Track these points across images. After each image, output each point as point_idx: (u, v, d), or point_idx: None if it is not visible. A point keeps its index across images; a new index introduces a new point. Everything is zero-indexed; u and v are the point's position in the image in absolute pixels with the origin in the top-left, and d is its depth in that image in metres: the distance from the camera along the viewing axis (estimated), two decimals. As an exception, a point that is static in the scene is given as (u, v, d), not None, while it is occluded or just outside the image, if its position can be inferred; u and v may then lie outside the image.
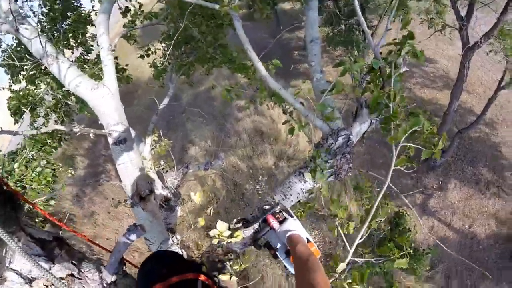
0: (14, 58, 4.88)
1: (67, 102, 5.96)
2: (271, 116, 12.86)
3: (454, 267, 9.15)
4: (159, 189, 4.62)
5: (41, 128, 5.65)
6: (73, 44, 6.02)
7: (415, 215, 7.97)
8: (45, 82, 5.65)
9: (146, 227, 2.51)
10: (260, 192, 10.38)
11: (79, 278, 1.92)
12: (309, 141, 2.09)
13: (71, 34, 5.90)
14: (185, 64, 5.33)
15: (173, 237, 3.29)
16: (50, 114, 6.14)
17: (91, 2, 6.03)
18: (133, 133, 4.20)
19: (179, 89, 13.56)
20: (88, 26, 6.09)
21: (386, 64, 1.92)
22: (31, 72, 5.50)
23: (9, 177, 5.95)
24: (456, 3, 9.34)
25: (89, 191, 12.32)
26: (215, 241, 2.01)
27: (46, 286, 1.71)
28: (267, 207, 1.99)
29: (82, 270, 1.94)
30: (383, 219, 2.19)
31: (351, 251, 1.95)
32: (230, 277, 1.93)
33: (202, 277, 1.21)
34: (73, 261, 1.91)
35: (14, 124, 5.89)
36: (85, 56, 6.43)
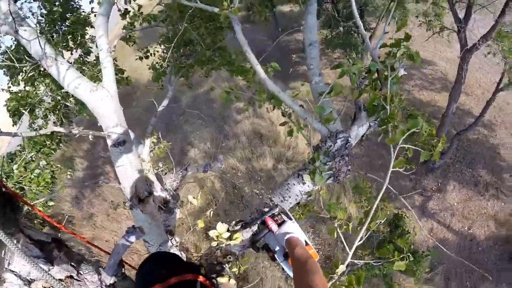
0: (13, 59, 4.88)
1: (66, 103, 5.96)
2: (270, 119, 12.87)
3: (453, 268, 9.15)
4: (158, 191, 4.62)
5: (40, 129, 5.66)
6: (72, 46, 6.02)
7: (414, 217, 7.96)
8: (44, 84, 5.65)
9: (145, 229, 2.51)
10: (258, 193, 10.37)
11: (78, 280, 1.92)
12: (308, 144, 2.10)
13: (70, 36, 5.90)
14: (184, 66, 5.34)
15: (172, 239, 3.30)
16: (49, 116, 6.14)
17: (90, 4, 6.03)
18: (132, 135, 4.19)
19: (178, 91, 13.56)
20: (87, 27, 6.09)
21: (384, 66, 1.93)
22: (30, 74, 5.50)
23: (8, 178, 5.94)
24: (454, 6, 9.37)
25: (88, 193, 12.29)
26: (214, 243, 2.01)
27: (45, 287, 1.71)
28: (266, 209, 2.00)
29: (81, 272, 1.94)
30: (382, 221, 2.20)
31: (351, 253, 1.95)
32: (229, 280, 1.93)
33: (201, 278, 1.21)
34: (72, 263, 1.91)
35: (13, 125, 5.89)
36: (84, 58, 6.44)
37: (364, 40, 2.11)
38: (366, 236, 2.03)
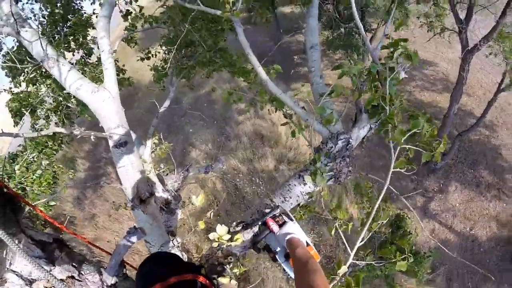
0: (15, 60, 4.90)
1: (68, 104, 5.98)
2: (271, 120, 12.87)
3: (455, 269, 9.13)
4: (160, 192, 4.63)
5: (41, 130, 5.67)
6: (74, 47, 6.04)
7: (416, 217, 7.96)
8: (46, 85, 5.66)
9: (146, 230, 2.51)
10: (259, 193, 10.37)
11: (80, 280, 1.92)
12: (309, 145, 2.10)
13: (72, 37, 5.92)
14: (185, 68, 5.35)
15: (173, 239, 3.30)
16: (51, 117, 6.16)
17: (92, 5, 6.06)
18: (133, 136, 4.20)
19: (179, 92, 13.57)
20: (89, 29, 6.11)
21: (384, 68, 1.93)
22: (31, 75, 5.52)
23: (10, 179, 5.96)
24: (455, 6, 9.35)
25: (90, 194, 12.31)
26: (215, 244, 2.01)
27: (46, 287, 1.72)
28: (267, 210, 2.00)
29: (82, 272, 1.95)
30: (384, 222, 2.19)
31: (352, 253, 1.95)
32: (230, 280, 1.93)
33: (201, 279, 1.21)
34: (74, 263, 1.91)
35: (14, 126, 5.91)
36: (86, 59, 6.45)
37: (365, 42, 2.11)
38: (368, 237, 2.03)
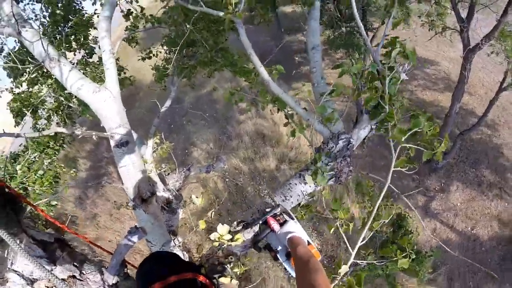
0: (16, 61, 4.91)
1: (69, 104, 5.99)
2: (273, 119, 12.87)
3: (456, 269, 9.12)
4: (161, 192, 4.63)
5: (43, 130, 5.68)
6: (75, 47, 6.05)
7: (418, 217, 7.94)
8: (47, 85, 5.67)
9: (147, 229, 2.51)
10: (261, 194, 10.37)
11: (81, 280, 1.92)
12: (310, 145, 2.10)
13: (73, 37, 5.93)
14: (186, 67, 5.34)
15: (174, 239, 3.30)
16: (52, 117, 6.17)
17: (93, 5, 6.06)
18: (135, 135, 4.21)
19: (181, 92, 13.58)
20: (90, 29, 6.12)
21: (384, 67, 1.92)
22: (33, 75, 5.53)
23: (12, 179, 5.97)
24: (457, 5, 9.33)
25: (92, 194, 12.34)
26: (215, 244, 2.01)
27: (48, 287, 1.72)
28: (268, 209, 2.00)
29: (83, 271, 1.95)
30: (386, 221, 2.19)
31: (353, 253, 1.94)
32: (231, 280, 1.93)
33: (201, 278, 1.21)
34: (75, 263, 1.92)
35: (15, 126, 5.92)
36: (87, 59, 6.46)
37: (365, 42, 2.11)
38: (369, 236, 2.03)
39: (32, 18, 5.96)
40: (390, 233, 7.58)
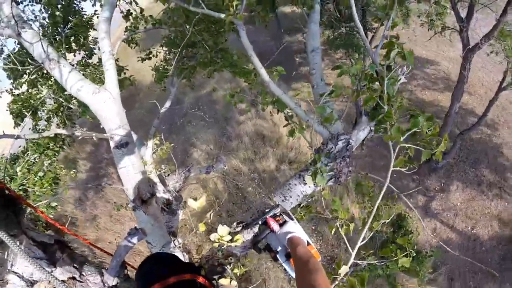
0: (16, 62, 4.91)
1: (69, 106, 5.99)
2: (273, 120, 12.87)
3: (457, 269, 9.12)
4: (161, 193, 4.63)
5: (43, 131, 5.68)
6: (75, 48, 6.04)
7: (418, 217, 7.95)
8: (47, 86, 5.67)
9: (147, 231, 2.51)
10: (261, 194, 10.37)
11: (81, 281, 1.92)
12: (310, 146, 2.10)
13: (73, 38, 5.92)
14: (186, 68, 5.34)
15: (174, 240, 3.30)
16: (52, 118, 6.16)
17: (93, 6, 6.06)
18: (134, 136, 4.21)
19: (180, 93, 13.58)
20: (89, 30, 6.11)
21: (383, 68, 1.93)
22: (33, 76, 5.53)
23: (12, 181, 5.96)
24: (456, 5, 9.35)
25: (91, 195, 12.33)
26: (215, 244, 2.01)
27: (48, 289, 1.72)
28: (267, 209, 2.00)
29: (83, 273, 1.95)
30: (387, 221, 2.19)
31: (354, 253, 1.95)
32: (230, 281, 1.93)
33: (200, 279, 1.21)
34: (75, 265, 1.92)
35: (14, 128, 5.92)
36: (87, 60, 6.46)
37: (364, 43, 2.11)
38: (369, 237, 2.03)
39: (31, 19, 5.96)
40: (390, 233, 7.59)
